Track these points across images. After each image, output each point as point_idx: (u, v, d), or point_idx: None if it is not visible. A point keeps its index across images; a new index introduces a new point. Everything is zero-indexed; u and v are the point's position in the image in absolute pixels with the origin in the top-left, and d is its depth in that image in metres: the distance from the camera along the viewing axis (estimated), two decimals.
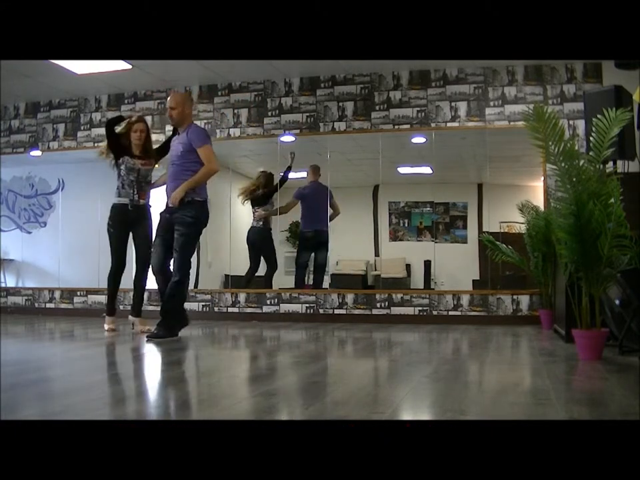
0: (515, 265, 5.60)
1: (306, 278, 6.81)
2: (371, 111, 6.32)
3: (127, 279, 4.88)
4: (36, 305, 7.21)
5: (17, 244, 7.55)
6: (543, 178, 5.93)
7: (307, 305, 6.33)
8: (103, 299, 6.82)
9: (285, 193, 6.89)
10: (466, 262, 6.81)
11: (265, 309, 6.43)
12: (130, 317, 4.83)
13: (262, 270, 6.72)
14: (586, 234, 3.16)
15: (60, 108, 7.25)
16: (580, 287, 3.32)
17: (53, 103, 7.28)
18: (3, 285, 7.54)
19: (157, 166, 5.03)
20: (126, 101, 7.01)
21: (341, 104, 6.40)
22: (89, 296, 7.00)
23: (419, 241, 7.17)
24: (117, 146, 4.71)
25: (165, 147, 4.81)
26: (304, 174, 6.91)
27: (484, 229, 6.51)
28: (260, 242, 6.74)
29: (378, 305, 6.19)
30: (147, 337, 4.29)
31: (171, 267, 4.45)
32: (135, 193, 4.70)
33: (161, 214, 4.57)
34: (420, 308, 6.09)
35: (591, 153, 3.35)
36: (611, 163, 4.19)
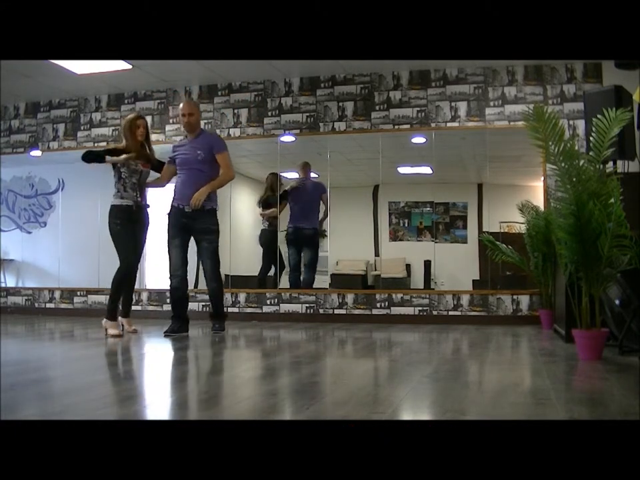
0: (515, 264, 5.60)
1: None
2: (370, 110, 6.32)
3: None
4: (36, 305, 7.22)
5: (17, 244, 7.56)
6: (543, 178, 5.93)
7: (307, 305, 6.33)
8: (103, 299, 6.85)
9: None
10: (466, 262, 6.81)
11: (265, 309, 6.44)
12: (119, 318, 4.78)
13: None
14: (586, 234, 3.16)
15: (60, 108, 7.26)
16: (580, 287, 3.32)
17: (53, 103, 7.28)
18: (3, 284, 7.54)
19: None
20: (126, 101, 7.01)
21: (340, 104, 6.40)
22: (89, 296, 7.00)
23: (419, 241, 7.17)
24: (118, 154, 4.69)
25: (161, 164, 4.89)
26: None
27: (484, 229, 6.51)
28: (267, 243, 6.81)
29: (378, 305, 6.19)
30: (215, 332, 4.74)
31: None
32: (138, 195, 4.71)
33: (172, 215, 4.67)
34: (420, 308, 6.09)
35: (591, 153, 3.35)
36: (611, 163, 4.19)
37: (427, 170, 6.84)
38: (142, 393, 2.65)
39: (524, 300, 5.89)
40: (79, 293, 7.06)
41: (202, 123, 6.51)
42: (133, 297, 5.19)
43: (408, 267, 7.15)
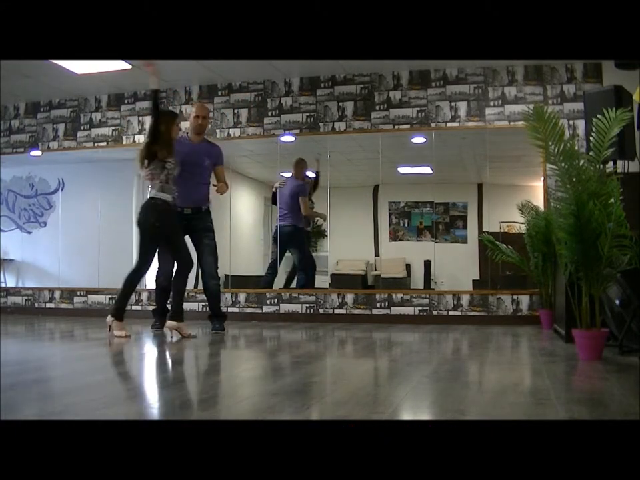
0: (515, 264, 5.59)
1: (276, 279, 6.67)
2: (370, 110, 6.32)
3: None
4: (36, 305, 7.21)
5: (17, 244, 7.55)
6: (543, 178, 5.93)
7: (307, 305, 6.33)
8: (103, 299, 6.86)
9: (317, 195, 6.93)
10: (466, 262, 6.81)
11: (265, 309, 6.43)
12: (108, 317, 4.47)
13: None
14: (586, 234, 3.16)
15: (60, 108, 7.25)
16: (580, 287, 3.32)
17: (53, 103, 7.28)
18: (3, 284, 7.53)
19: None
20: (126, 101, 7.02)
21: (340, 104, 6.40)
22: (89, 296, 7.00)
23: (419, 240, 7.17)
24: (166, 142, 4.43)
25: None
26: (308, 173, 6.94)
27: (484, 229, 6.51)
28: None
29: (378, 305, 6.19)
30: (215, 332, 4.75)
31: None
32: (175, 189, 4.46)
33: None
34: (420, 308, 6.09)
35: (591, 153, 3.35)
36: (611, 163, 4.18)
37: (427, 170, 6.85)
38: (142, 393, 2.65)
39: (524, 300, 5.88)
40: (78, 293, 7.06)
41: None
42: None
43: (408, 267, 7.16)
